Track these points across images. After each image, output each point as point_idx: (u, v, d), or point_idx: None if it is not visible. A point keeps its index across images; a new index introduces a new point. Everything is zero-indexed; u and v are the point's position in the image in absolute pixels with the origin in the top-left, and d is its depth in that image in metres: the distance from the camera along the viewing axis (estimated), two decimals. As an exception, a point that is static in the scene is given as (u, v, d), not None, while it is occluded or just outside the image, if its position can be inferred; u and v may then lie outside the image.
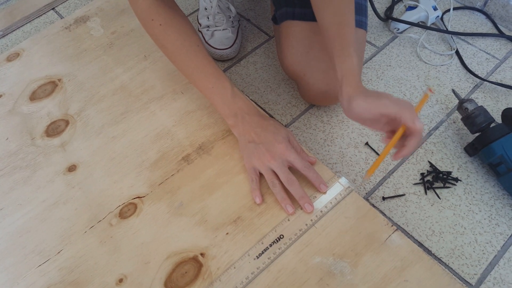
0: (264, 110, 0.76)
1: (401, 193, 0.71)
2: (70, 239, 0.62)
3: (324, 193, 0.62)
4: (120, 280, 0.57)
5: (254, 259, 0.57)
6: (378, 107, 0.53)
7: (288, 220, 0.60)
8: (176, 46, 0.67)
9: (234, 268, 0.57)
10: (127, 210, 0.64)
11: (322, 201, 0.62)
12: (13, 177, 0.69)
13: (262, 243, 0.59)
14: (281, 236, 0.59)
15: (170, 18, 0.66)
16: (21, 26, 1.03)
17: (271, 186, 0.62)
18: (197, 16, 0.95)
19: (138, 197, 0.65)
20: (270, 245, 0.58)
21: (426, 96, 0.56)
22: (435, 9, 0.94)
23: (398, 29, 0.94)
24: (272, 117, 0.82)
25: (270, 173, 0.62)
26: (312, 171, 0.62)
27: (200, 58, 0.67)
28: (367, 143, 0.77)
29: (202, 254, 0.59)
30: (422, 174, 0.73)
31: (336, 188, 0.63)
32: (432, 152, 0.76)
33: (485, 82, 0.85)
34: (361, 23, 0.76)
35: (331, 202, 0.61)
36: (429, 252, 0.66)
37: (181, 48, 0.67)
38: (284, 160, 0.62)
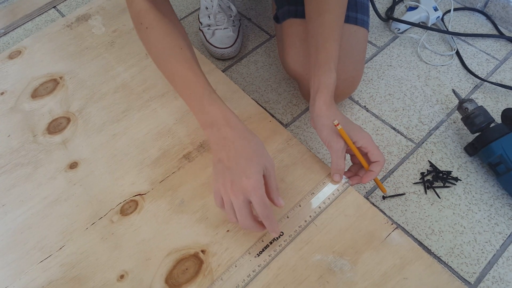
0: (265, 109, 0.76)
1: (401, 192, 0.72)
2: (71, 235, 0.62)
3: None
4: (121, 277, 0.58)
5: (255, 257, 0.58)
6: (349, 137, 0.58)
7: (287, 217, 0.61)
8: (158, 49, 0.62)
9: (235, 266, 0.57)
10: (128, 207, 0.64)
11: (320, 197, 0.62)
12: (14, 174, 0.69)
13: (263, 240, 0.59)
14: (281, 233, 0.59)
15: (156, 21, 0.62)
16: (23, 24, 1.04)
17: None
18: (198, 15, 0.95)
19: (139, 194, 0.65)
20: (270, 243, 0.58)
21: (341, 131, 0.58)
22: (435, 9, 0.94)
23: (399, 29, 0.95)
24: (273, 116, 0.82)
25: (229, 207, 0.54)
26: (268, 221, 0.53)
27: (180, 62, 0.61)
28: (367, 142, 0.77)
29: (203, 251, 0.59)
30: (422, 173, 0.74)
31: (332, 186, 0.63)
32: (432, 152, 0.76)
33: (485, 83, 0.85)
34: (363, 22, 0.76)
35: (329, 198, 0.62)
36: (428, 251, 0.66)
37: (162, 51, 0.62)
38: (246, 198, 0.52)
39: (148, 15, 0.62)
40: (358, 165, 0.63)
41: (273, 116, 0.83)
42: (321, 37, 0.63)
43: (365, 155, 0.60)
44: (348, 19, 0.74)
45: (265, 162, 0.54)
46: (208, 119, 0.57)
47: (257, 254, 0.58)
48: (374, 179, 0.62)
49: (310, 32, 0.66)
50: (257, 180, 0.51)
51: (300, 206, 0.61)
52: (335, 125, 0.57)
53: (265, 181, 0.53)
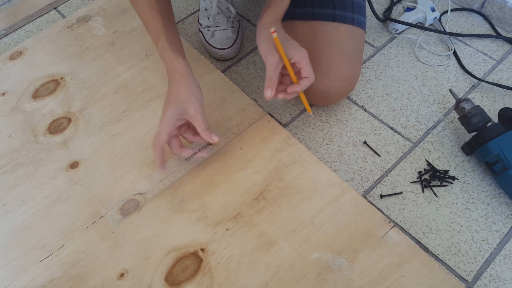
0: (263, 109, 0.77)
1: (398, 191, 0.72)
2: (72, 234, 0.62)
3: None
4: (122, 275, 0.58)
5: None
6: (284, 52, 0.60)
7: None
8: (136, 11, 0.68)
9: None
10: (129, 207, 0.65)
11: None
12: (16, 173, 0.70)
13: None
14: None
15: None
16: (24, 25, 1.04)
17: None
18: (198, 17, 0.96)
19: (139, 193, 0.66)
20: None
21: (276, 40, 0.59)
22: (433, 10, 0.95)
23: (397, 29, 0.95)
24: (272, 116, 0.83)
25: None
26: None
27: (144, 12, 0.66)
28: (365, 142, 0.78)
29: (202, 250, 0.60)
30: (419, 172, 0.74)
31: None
32: (430, 151, 0.77)
33: (482, 83, 0.86)
34: (359, 23, 0.77)
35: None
36: (426, 249, 0.66)
37: (134, 3, 0.67)
38: None
39: None
40: (290, 82, 0.64)
41: (272, 116, 0.83)
42: None
43: (298, 72, 0.62)
44: (345, 20, 0.75)
45: (186, 106, 0.61)
46: (166, 67, 0.66)
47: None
48: (300, 96, 0.66)
49: None
50: (162, 123, 0.61)
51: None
52: (272, 32, 0.58)
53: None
